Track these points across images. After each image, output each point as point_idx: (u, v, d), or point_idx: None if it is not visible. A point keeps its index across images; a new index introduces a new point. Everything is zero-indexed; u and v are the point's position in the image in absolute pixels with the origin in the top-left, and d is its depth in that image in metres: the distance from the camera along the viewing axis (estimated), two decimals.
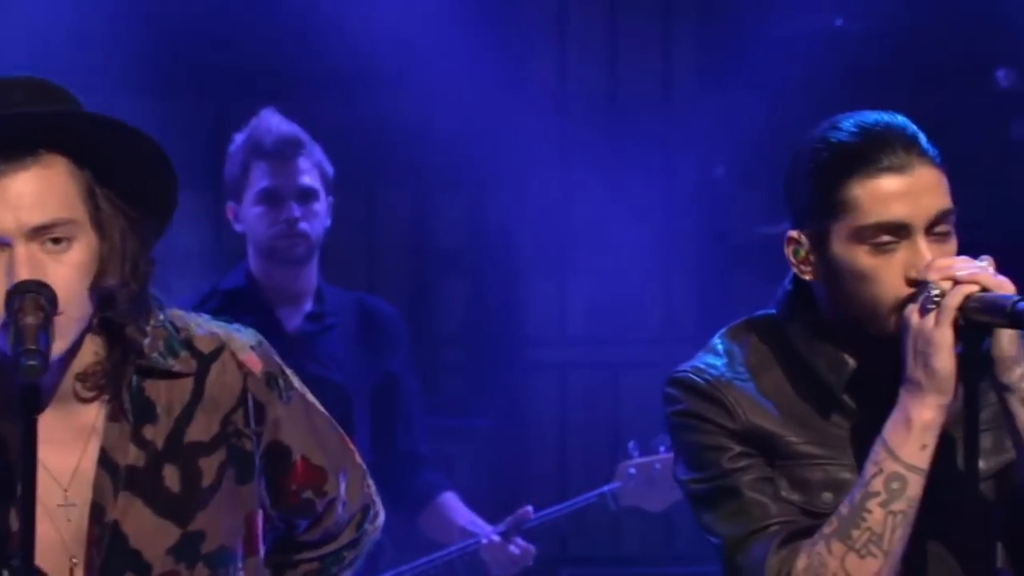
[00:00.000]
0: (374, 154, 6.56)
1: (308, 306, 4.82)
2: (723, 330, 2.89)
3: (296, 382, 2.78)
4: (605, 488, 4.76)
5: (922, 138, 2.75)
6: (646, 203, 6.60)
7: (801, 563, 2.69)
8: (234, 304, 4.78)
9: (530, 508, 4.84)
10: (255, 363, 2.71)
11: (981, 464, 2.79)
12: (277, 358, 2.76)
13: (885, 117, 2.75)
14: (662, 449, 4.80)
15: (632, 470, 4.79)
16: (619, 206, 6.61)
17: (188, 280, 5.52)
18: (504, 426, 6.71)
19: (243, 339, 2.73)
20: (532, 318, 6.82)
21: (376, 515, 2.92)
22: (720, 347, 2.85)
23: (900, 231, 2.71)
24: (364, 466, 2.90)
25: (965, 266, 2.67)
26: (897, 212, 2.70)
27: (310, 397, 2.81)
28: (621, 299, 6.71)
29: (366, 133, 6.48)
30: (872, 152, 2.70)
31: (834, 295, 2.75)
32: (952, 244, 2.73)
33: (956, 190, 6.88)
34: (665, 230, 6.67)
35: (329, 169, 4.80)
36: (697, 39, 6.79)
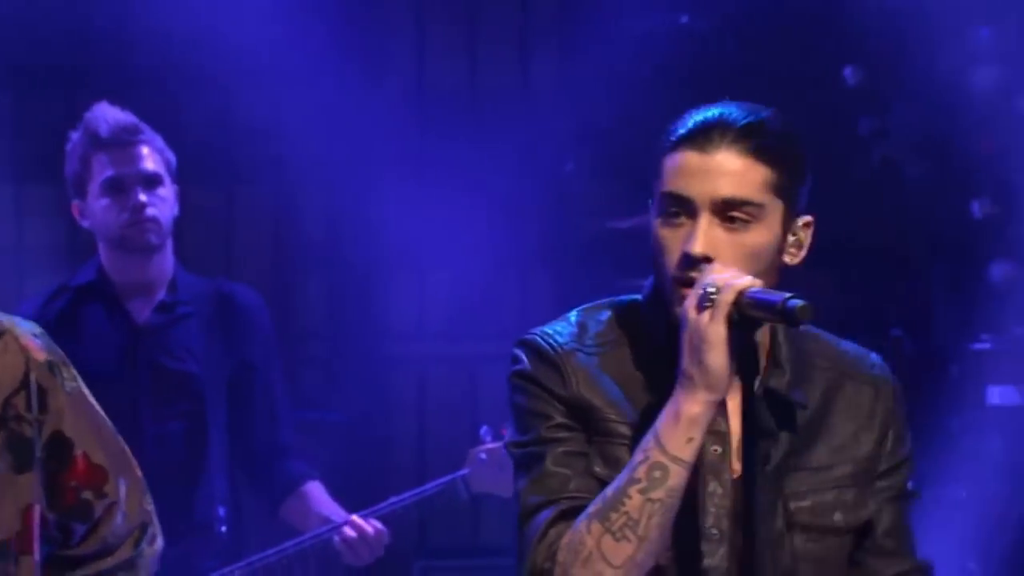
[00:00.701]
0: (232, 149, 6.56)
1: (161, 296, 4.78)
2: (584, 305, 2.92)
3: (79, 380, 2.73)
4: (456, 474, 4.76)
5: (755, 131, 2.74)
6: (504, 198, 6.66)
7: (565, 539, 2.72)
8: (83, 299, 4.74)
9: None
10: (38, 350, 2.67)
11: (837, 517, 2.83)
12: (60, 352, 2.71)
13: (734, 105, 2.79)
14: None
15: (483, 455, 4.78)
16: (477, 201, 6.67)
17: (43, 275, 5.49)
18: (364, 420, 6.72)
19: (26, 327, 2.69)
20: (391, 313, 6.84)
21: (154, 537, 2.85)
22: (574, 318, 2.88)
23: (686, 205, 2.74)
24: (144, 482, 2.83)
25: (737, 274, 2.70)
26: (683, 186, 2.74)
27: (91, 399, 2.75)
28: (478, 294, 6.77)
29: (224, 128, 6.48)
30: (689, 129, 2.75)
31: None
32: (748, 236, 2.74)
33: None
34: (522, 225, 6.74)
35: (171, 156, 4.76)
36: (554, 35, 6.85)
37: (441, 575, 6.37)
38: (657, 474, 2.68)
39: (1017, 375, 5.69)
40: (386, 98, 6.72)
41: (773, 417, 2.81)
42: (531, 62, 6.86)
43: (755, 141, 2.72)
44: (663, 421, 2.69)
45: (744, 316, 2.66)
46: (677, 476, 2.69)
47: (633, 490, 2.69)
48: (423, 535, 6.34)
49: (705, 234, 2.71)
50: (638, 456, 2.70)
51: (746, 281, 2.66)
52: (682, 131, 2.75)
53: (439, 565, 6.35)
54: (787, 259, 2.81)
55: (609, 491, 2.71)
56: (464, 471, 4.78)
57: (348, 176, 6.70)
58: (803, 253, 2.82)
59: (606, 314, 2.88)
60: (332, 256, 6.81)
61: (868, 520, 2.85)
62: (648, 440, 2.70)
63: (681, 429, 2.68)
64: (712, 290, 2.67)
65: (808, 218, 2.81)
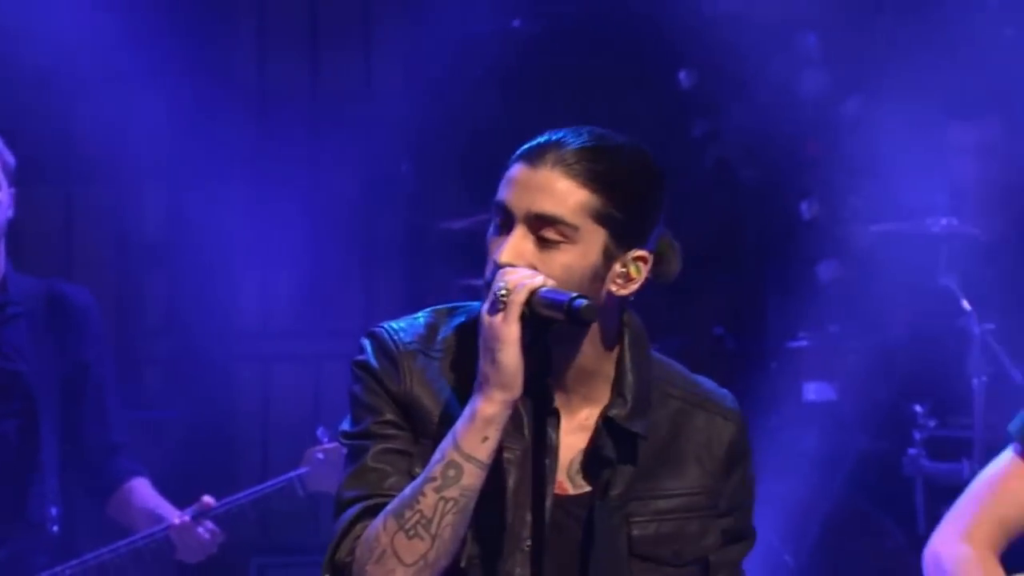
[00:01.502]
0: (72, 149, 6.55)
1: None
2: (438, 307, 2.92)
3: None
4: (292, 473, 4.77)
5: (587, 157, 2.76)
6: (346, 198, 6.71)
7: (364, 535, 2.73)
8: None
9: (210, 498, 4.82)
10: None
11: (677, 548, 2.84)
12: None
13: (587, 130, 2.83)
14: None
15: (320, 455, 4.79)
16: (320, 200, 6.71)
17: None
18: (207, 419, 6.73)
19: None
20: (235, 311, 6.85)
21: None
22: (423, 319, 2.89)
23: (508, 216, 2.78)
24: None
25: (532, 273, 2.73)
26: (505, 195, 2.78)
27: None
28: (322, 292, 6.81)
29: (64, 128, 6.47)
30: (530, 145, 2.79)
31: None
32: (559, 256, 2.75)
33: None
34: (364, 224, 6.80)
35: (10, 159, 4.76)
36: (395, 37, 6.89)
37: (278, 572, 6.39)
38: (452, 473, 2.70)
39: (832, 372, 5.84)
40: (228, 98, 6.74)
41: (615, 446, 2.82)
42: (372, 64, 6.90)
43: (584, 165, 2.74)
44: (460, 420, 2.71)
45: (537, 315, 2.68)
46: (472, 476, 2.70)
47: (428, 488, 2.71)
48: (263, 533, 6.36)
49: (515, 246, 2.73)
50: (436, 455, 2.72)
51: (538, 281, 2.70)
52: (525, 146, 2.79)
53: (276, 562, 6.36)
54: (613, 289, 2.79)
55: (407, 490, 2.73)
56: (301, 470, 4.79)
57: (191, 175, 6.69)
58: (634, 287, 2.79)
59: (459, 320, 2.88)
60: (175, 255, 6.80)
61: (707, 558, 2.87)
62: (447, 439, 2.72)
63: (476, 428, 2.70)
64: (504, 292, 2.70)
65: (643, 253, 2.79)
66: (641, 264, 2.79)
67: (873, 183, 6.27)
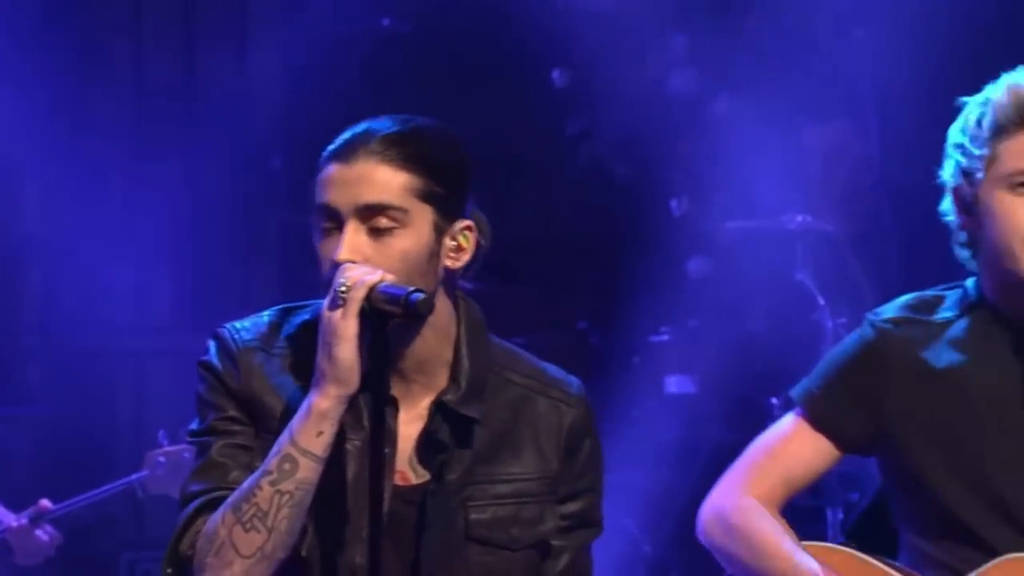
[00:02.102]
0: None
1: None
2: (286, 304, 2.96)
3: None
4: (132, 477, 4.77)
5: (397, 141, 2.81)
6: (224, 192, 6.72)
7: (204, 528, 2.79)
8: None
9: (47, 501, 4.80)
10: None
11: (514, 532, 2.89)
12: None
13: (386, 117, 2.86)
14: None
15: (161, 458, 4.79)
16: (198, 194, 6.71)
17: None
18: (82, 414, 6.72)
19: None
20: (110, 306, 6.82)
21: None
22: (267, 317, 2.94)
23: (334, 216, 2.82)
24: None
25: (371, 269, 2.77)
26: (327, 197, 2.82)
27: None
28: (200, 287, 6.81)
29: None
30: (336, 144, 2.84)
31: None
32: (395, 242, 2.81)
33: (514, 184, 7.22)
34: (243, 219, 6.82)
35: None
36: (271, 35, 6.90)
37: (149, 566, 6.40)
38: (287, 466, 2.74)
39: (692, 365, 5.96)
40: (104, 93, 6.73)
41: (451, 431, 2.87)
42: (247, 59, 6.92)
43: (397, 150, 2.79)
44: (297, 416, 2.76)
45: (377, 310, 2.72)
46: (307, 469, 2.75)
47: (264, 482, 2.75)
48: (134, 528, 6.37)
49: (350, 241, 2.77)
50: (273, 449, 2.77)
51: (376, 276, 2.74)
52: (331, 147, 2.84)
53: (147, 556, 6.36)
54: (448, 263, 2.86)
55: (245, 483, 2.77)
56: (141, 474, 4.79)
57: (66, 170, 6.68)
58: (466, 256, 2.87)
59: (303, 317, 2.92)
60: (51, 250, 6.79)
61: (547, 542, 2.92)
62: (283, 434, 2.77)
63: (311, 423, 2.75)
64: (343, 288, 2.73)
65: (468, 222, 2.87)
66: (468, 233, 2.87)
67: (737, 181, 6.39)
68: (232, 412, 2.86)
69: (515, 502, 2.91)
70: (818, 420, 3.19)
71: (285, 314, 2.94)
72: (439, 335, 2.87)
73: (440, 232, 2.84)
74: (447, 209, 2.84)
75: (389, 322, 2.76)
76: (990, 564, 3.08)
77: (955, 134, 3.16)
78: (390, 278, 2.76)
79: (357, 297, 2.73)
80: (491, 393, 2.91)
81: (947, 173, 3.18)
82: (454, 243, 2.85)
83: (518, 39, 6.61)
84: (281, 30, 6.83)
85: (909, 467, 3.14)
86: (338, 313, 2.73)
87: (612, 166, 6.90)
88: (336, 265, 2.78)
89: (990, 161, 3.09)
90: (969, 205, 3.13)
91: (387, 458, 2.80)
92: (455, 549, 2.88)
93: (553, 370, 3.02)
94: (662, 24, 6.74)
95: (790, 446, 3.20)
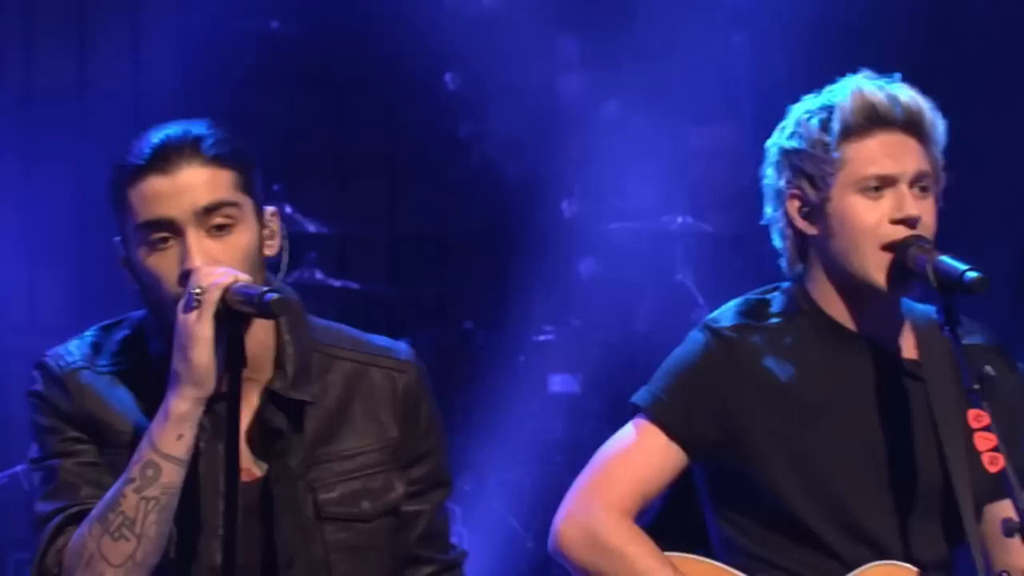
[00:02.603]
0: None
1: None
2: (104, 323, 3.00)
3: None
4: (17, 468, 4.76)
5: (208, 142, 2.87)
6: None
7: (70, 543, 2.81)
8: None
9: None
10: None
11: (365, 505, 2.94)
12: None
13: (179, 127, 2.90)
14: None
15: None
16: (89, 194, 6.68)
17: None
18: None
19: None
20: (3, 306, 6.81)
21: None
22: (89, 337, 2.98)
23: (169, 228, 2.84)
24: None
25: (224, 271, 2.81)
26: (156, 211, 2.84)
27: None
28: (91, 287, 6.78)
29: None
30: (147, 158, 2.84)
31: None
32: (235, 238, 2.86)
33: (408, 186, 7.25)
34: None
35: None
36: (163, 36, 6.89)
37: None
38: (150, 472, 2.78)
39: (575, 364, 6.01)
40: None
41: (287, 417, 2.91)
42: (139, 63, 6.91)
43: (213, 150, 2.84)
44: (155, 421, 2.79)
45: (232, 311, 2.75)
46: (171, 473, 2.78)
47: (128, 489, 2.78)
48: (22, 528, 6.34)
49: (197, 247, 2.80)
50: (134, 457, 2.80)
51: (230, 278, 2.77)
52: (139, 162, 2.83)
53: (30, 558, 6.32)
54: (267, 252, 2.93)
55: (109, 493, 2.81)
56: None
57: None
58: (277, 242, 2.94)
59: (122, 333, 2.96)
60: None
61: (400, 507, 2.97)
62: (143, 441, 2.80)
63: (171, 427, 2.78)
64: (197, 291, 2.76)
65: (272, 208, 2.95)
66: (274, 218, 2.95)
67: (628, 183, 6.46)
68: (72, 433, 2.89)
69: (361, 475, 2.95)
70: (670, 427, 3.20)
71: (105, 332, 2.98)
72: (264, 327, 2.92)
73: (260, 222, 2.91)
74: (259, 199, 2.92)
75: (244, 322, 2.80)
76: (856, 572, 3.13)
77: (790, 140, 3.18)
78: (244, 278, 2.80)
79: (212, 299, 2.76)
80: (320, 373, 2.96)
81: (777, 180, 3.20)
82: (268, 230, 2.92)
83: (411, 42, 6.64)
84: (172, 33, 6.83)
85: (757, 477, 3.17)
86: (192, 316, 2.76)
87: (503, 167, 6.95)
88: (187, 274, 2.80)
89: (840, 165, 3.12)
90: (813, 210, 3.16)
91: (234, 455, 2.81)
92: (309, 532, 2.92)
93: (379, 339, 3.07)
94: (552, 28, 6.80)
95: (642, 454, 3.20)
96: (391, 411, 2.98)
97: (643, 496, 3.21)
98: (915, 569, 3.14)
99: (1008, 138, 6.86)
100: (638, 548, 3.16)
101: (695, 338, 3.25)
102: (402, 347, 3.06)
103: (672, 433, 3.20)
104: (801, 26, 5.73)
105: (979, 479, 3.08)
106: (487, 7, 6.85)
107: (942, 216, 3.21)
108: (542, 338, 5.98)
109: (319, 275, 5.81)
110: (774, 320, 3.23)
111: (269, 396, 2.92)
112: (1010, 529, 2.86)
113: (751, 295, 3.31)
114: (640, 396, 3.27)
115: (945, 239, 6.96)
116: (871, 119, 3.14)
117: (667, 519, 3.32)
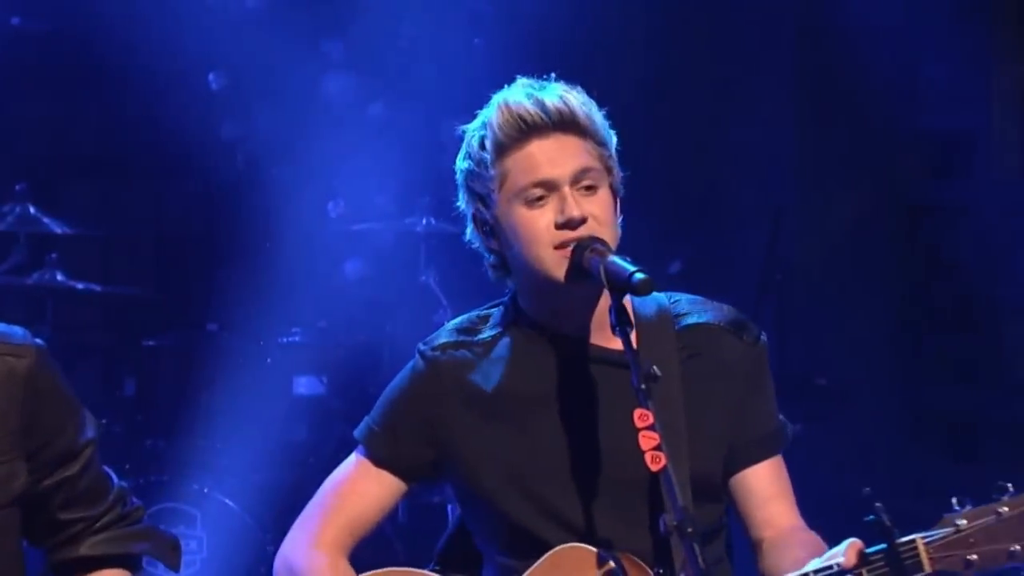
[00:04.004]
0: None
1: None
2: None
3: None
4: None
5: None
6: None
7: None
8: None
9: None
10: None
11: None
12: None
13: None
14: None
15: None
16: None
17: None
18: None
19: None
20: None
21: None
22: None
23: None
24: None
25: None
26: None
27: None
28: None
29: None
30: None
31: None
32: None
33: (163, 188, 7.13)
34: None
35: None
36: None
37: None
38: None
39: (321, 366, 6.01)
40: None
41: None
42: None
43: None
44: None
45: None
46: None
47: None
48: None
49: None
50: None
51: None
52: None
53: None
54: None
55: None
56: None
57: None
58: None
59: None
60: None
61: (28, 491, 2.92)
62: None
63: None
64: None
65: None
66: None
67: (392, 183, 6.46)
68: None
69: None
70: (380, 458, 3.23)
71: None
72: None
73: None
74: None
75: None
76: (543, 558, 3.15)
77: (463, 162, 3.21)
78: None
79: None
80: None
81: (463, 202, 3.22)
82: None
83: (173, 42, 6.57)
84: None
85: (475, 488, 3.20)
86: None
87: (268, 168, 6.90)
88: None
89: (501, 180, 3.14)
90: (491, 227, 3.19)
91: None
92: None
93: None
94: (318, 28, 6.79)
95: (358, 487, 3.24)
96: (11, 397, 2.92)
97: (356, 529, 3.24)
98: (593, 549, 3.16)
99: (757, 137, 7.01)
100: None
101: (408, 365, 3.29)
102: (17, 331, 2.98)
103: (381, 462, 3.23)
104: (531, 28, 5.80)
105: (735, 447, 3.16)
106: (250, 7, 6.81)
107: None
108: (289, 339, 5.96)
109: (60, 276, 5.72)
110: (488, 333, 3.27)
111: None
112: (667, 528, 2.88)
113: (476, 310, 3.35)
114: (359, 429, 3.30)
115: (700, 233, 7.09)
116: (521, 130, 3.14)
117: (453, 544, 3.35)
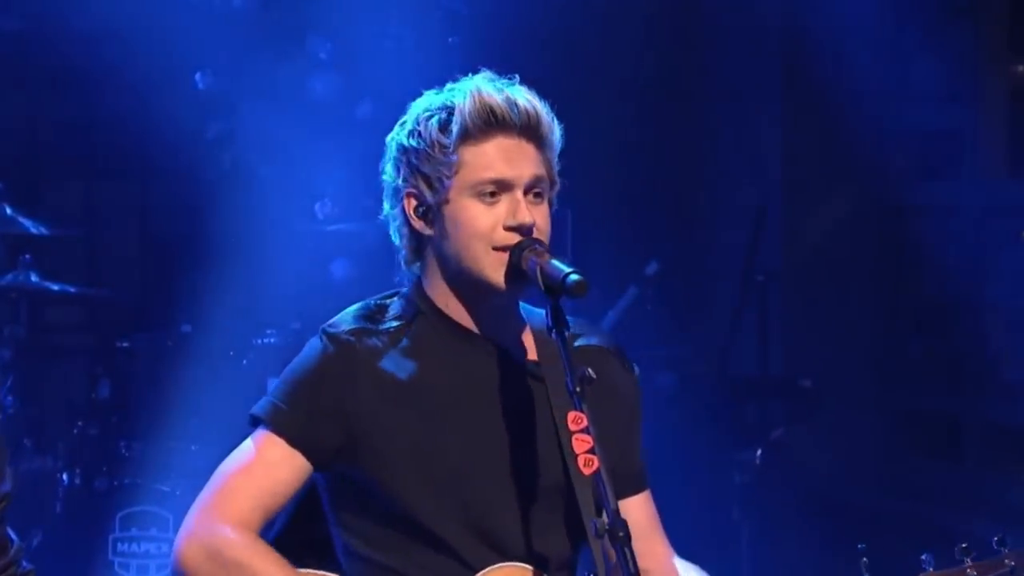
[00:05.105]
0: None
1: None
2: None
3: None
4: None
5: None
6: None
7: None
8: None
9: None
10: None
11: None
12: None
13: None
14: None
15: None
16: None
17: None
18: None
19: None
20: None
21: None
22: None
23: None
24: None
25: None
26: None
27: None
28: None
29: None
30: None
31: None
32: None
33: (146, 189, 7.09)
34: None
35: None
36: None
37: None
38: None
39: None
40: None
41: None
42: None
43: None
44: None
45: None
46: None
47: None
48: None
49: None
50: None
51: None
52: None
53: None
54: None
55: None
56: None
57: None
58: None
59: None
60: None
61: None
62: None
63: None
64: None
65: None
66: None
67: (374, 185, 6.43)
68: None
69: None
70: (291, 437, 3.15)
71: None
72: None
73: None
74: None
75: None
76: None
77: (409, 140, 3.17)
78: None
79: None
80: None
81: (396, 178, 3.20)
82: None
83: (160, 41, 6.56)
84: None
85: (375, 476, 3.15)
86: None
87: (255, 168, 6.89)
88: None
89: (457, 168, 3.12)
90: (429, 210, 3.15)
91: None
92: None
93: None
94: (304, 27, 6.77)
95: (264, 466, 3.15)
96: None
97: (267, 509, 3.15)
98: (531, 569, 3.13)
99: (741, 137, 6.99)
100: (263, 562, 3.10)
101: (313, 345, 3.22)
102: None
103: (293, 442, 3.16)
104: (504, 28, 5.78)
105: (616, 475, 3.08)
106: (237, 7, 6.79)
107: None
108: (264, 340, 5.93)
109: (34, 278, 5.72)
110: (392, 323, 3.22)
111: None
112: (599, 531, 2.86)
113: (369, 300, 3.29)
114: (259, 406, 3.22)
115: (682, 233, 7.05)
116: (489, 122, 3.13)
117: (290, 533, 3.26)
